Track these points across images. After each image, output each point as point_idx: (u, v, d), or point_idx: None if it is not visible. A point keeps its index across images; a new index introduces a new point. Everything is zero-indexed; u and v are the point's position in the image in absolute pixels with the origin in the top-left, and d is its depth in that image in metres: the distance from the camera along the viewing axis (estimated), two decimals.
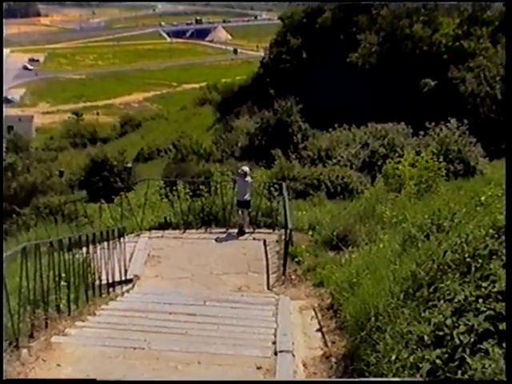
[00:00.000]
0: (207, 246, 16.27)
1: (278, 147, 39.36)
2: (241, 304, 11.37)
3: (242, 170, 17.34)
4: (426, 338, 5.91)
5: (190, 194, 18.40)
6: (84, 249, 11.11)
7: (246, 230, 16.92)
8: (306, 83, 63.83)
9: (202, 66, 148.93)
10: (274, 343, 8.63)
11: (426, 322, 6.14)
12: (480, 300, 5.74)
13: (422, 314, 6.38)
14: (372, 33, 65.27)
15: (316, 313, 10.51)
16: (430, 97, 56.51)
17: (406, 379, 5.75)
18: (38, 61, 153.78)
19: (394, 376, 5.95)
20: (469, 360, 5.24)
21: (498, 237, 6.56)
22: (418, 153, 22.39)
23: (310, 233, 15.75)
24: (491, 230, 6.74)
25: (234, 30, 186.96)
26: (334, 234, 14.32)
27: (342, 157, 31.26)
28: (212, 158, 53.19)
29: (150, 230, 17.47)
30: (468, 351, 5.34)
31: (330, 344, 8.90)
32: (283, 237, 14.76)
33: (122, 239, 13.45)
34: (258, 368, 7.82)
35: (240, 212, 16.99)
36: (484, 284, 5.94)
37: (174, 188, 18.71)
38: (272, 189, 18.32)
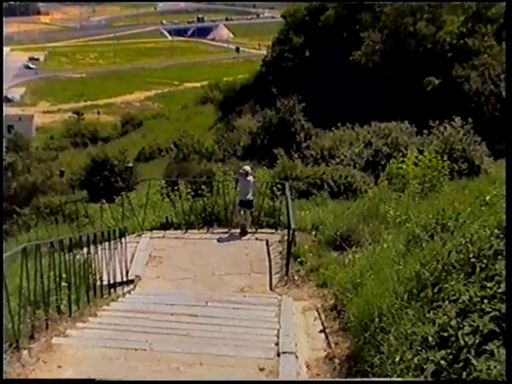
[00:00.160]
0: (209, 246, 16.24)
1: (281, 146, 39.31)
2: (243, 305, 11.32)
3: (244, 170, 17.29)
4: (430, 338, 5.85)
5: (192, 193, 18.37)
6: (85, 249, 11.08)
7: (249, 230, 16.89)
8: (308, 82, 63.75)
9: (204, 65, 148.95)
10: (277, 344, 8.59)
11: (431, 323, 6.07)
12: (485, 301, 5.68)
13: (427, 315, 6.31)
14: (375, 31, 65.05)
15: (319, 313, 10.44)
16: (434, 95, 56.39)
17: (407, 380, 5.71)
18: (38, 59, 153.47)
19: (398, 377, 5.90)
20: (474, 361, 5.17)
21: (504, 237, 6.48)
22: (421, 152, 22.29)
23: (313, 233, 15.68)
24: (496, 230, 6.68)
25: (236, 28, 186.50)
26: (338, 234, 14.23)
27: (345, 156, 31.15)
28: (214, 157, 53.19)
29: (151, 230, 17.43)
30: (473, 352, 5.27)
31: (333, 345, 8.84)
32: (286, 237, 14.71)
33: (123, 239, 13.41)
34: (261, 369, 7.79)
35: (242, 212, 16.93)
36: (489, 284, 5.87)
37: (176, 188, 18.71)
38: (275, 188, 18.26)
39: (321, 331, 9.69)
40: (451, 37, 60.57)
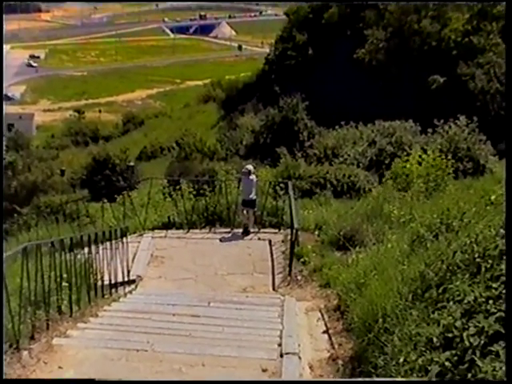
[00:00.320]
0: (211, 246, 16.22)
1: (284, 145, 39.20)
2: (246, 305, 11.29)
3: (247, 169, 17.24)
4: (434, 339, 5.79)
5: (194, 193, 18.31)
6: (86, 249, 11.07)
7: (251, 230, 16.82)
8: (311, 80, 63.69)
9: (206, 63, 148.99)
10: (280, 345, 8.55)
11: (435, 324, 6.02)
12: (490, 301, 5.61)
13: (431, 316, 6.27)
14: (379, 28, 64.97)
15: (322, 314, 10.41)
16: (439, 94, 56.32)
17: (409, 380, 5.68)
18: (38, 57, 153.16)
19: (402, 379, 5.85)
20: (479, 362, 5.10)
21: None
22: (424, 151, 22.22)
23: (317, 233, 15.65)
24: (502, 230, 6.61)
25: (239, 25, 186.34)
26: (341, 233, 14.19)
27: (348, 155, 31.07)
28: (216, 156, 53.15)
29: (153, 229, 17.41)
30: (478, 354, 5.20)
31: (336, 346, 8.81)
32: (289, 237, 14.67)
33: (124, 239, 13.34)
34: (264, 370, 7.76)
35: (245, 211, 16.88)
36: (494, 285, 5.80)
37: (178, 187, 18.66)
38: (277, 188, 18.24)
39: (324, 332, 9.66)
40: (456, 34, 60.44)
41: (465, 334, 5.43)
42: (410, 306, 6.88)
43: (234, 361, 7.97)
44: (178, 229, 17.42)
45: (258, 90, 71.56)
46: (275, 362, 7.98)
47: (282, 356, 8.14)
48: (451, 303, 6.09)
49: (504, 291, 5.66)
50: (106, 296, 11.68)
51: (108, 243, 11.94)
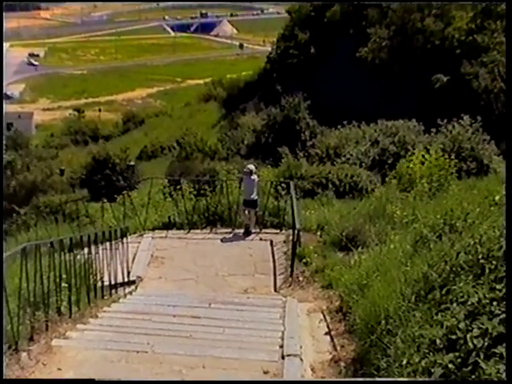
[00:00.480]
0: (212, 246, 16.16)
1: (285, 145, 39.28)
2: (247, 306, 11.26)
3: (248, 169, 17.18)
4: (438, 341, 5.77)
5: (195, 193, 18.29)
6: (85, 249, 11.02)
7: (253, 231, 16.77)
8: (314, 79, 63.75)
9: (207, 61, 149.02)
10: (282, 347, 8.50)
11: (439, 326, 6.00)
12: (494, 303, 5.59)
13: (434, 317, 6.25)
14: (382, 27, 64.97)
15: (324, 315, 10.38)
16: (442, 93, 56.29)
17: (409, 380, 5.68)
18: (38, 55, 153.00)
19: None
20: (483, 365, 5.08)
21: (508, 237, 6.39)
22: (427, 150, 22.15)
23: (319, 233, 15.61)
24: (506, 231, 6.56)
25: (240, 24, 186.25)
26: (343, 234, 14.15)
27: (351, 155, 30.99)
28: (217, 155, 53.25)
29: (153, 230, 17.37)
30: (482, 356, 5.17)
31: (338, 348, 8.77)
32: (291, 237, 14.61)
33: (124, 239, 13.30)
34: (265, 372, 7.71)
35: (246, 212, 16.82)
36: (498, 286, 5.79)
37: (178, 187, 18.62)
38: (279, 188, 18.20)
39: (326, 333, 9.62)
40: (460, 33, 60.37)
41: (468, 336, 5.41)
42: (413, 307, 6.86)
43: (235, 363, 7.92)
44: (178, 229, 17.37)
45: (259, 89, 71.65)
46: (277, 363, 7.94)
47: (283, 358, 8.10)
48: (455, 305, 6.08)
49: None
50: (105, 297, 11.63)
51: (108, 243, 11.90)
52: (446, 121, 28.56)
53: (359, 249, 12.71)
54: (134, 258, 14.60)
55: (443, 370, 5.38)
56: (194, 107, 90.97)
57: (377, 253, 10.69)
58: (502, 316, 5.38)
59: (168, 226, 17.51)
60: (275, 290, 13.47)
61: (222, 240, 16.51)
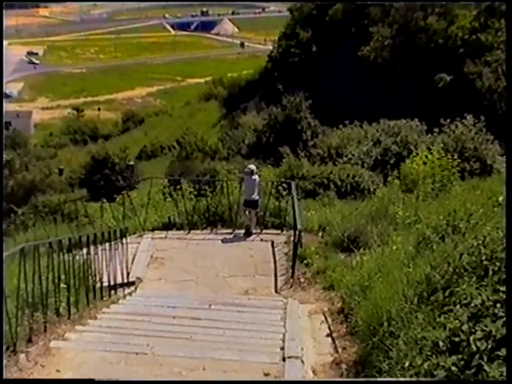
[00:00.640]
0: (213, 247, 16.13)
1: (287, 144, 39.27)
2: (248, 308, 11.23)
3: (249, 168, 17.15)
4: (441, 344, 5.74)
5: (195, 193, 18.29)
6: (84, 250, 10.97)
7: (254, 231, 16.74)
8: (315, 78, 63.75)
9: (208, 60, 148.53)
10: (282, 349, 8.46)
11: (442, 328, 5.97)
12: (498, 305, 5.59)
13: (437, 319, 6.22)
14: (385, 25, 65.00)
15: (326, 317, 10.33)
16: (445, 92, 56.27)
17: (409, 380, 5.67)
18: (36, 54, 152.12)
19: None
20: (486, 367, 5.06)
21: None
22: (430, 150, 22.10)
23: (320, 234, 15.57)
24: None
25: (241, 22, 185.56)
26: (345, 235, 14.10)
27: (352, 155, 30.90)
28: (218, 155, 53.31)
29: (153, 230, 17.35)
30: (485, 358, 5.15)
31: (340, 350, 8.73)
32: (292, 238, 14.59)
33: (124, 240, 13.27)
34: (266, 374, 7.68)
35: (247, 212, 16.79)
36: (502, 288, 5.77)
37: (178, 187, 18.61)
38: (280, 188, 18.19)
39: (327, 335, 9.59)
40: (463, 32, 60.32)
41: (472, 338, 5.39)
42: (416, 309, 6.84)
43: (236, 364, 7.89)
44: (178, 229, 17.35)
45: (260, 88, 71.69)
46: (277, 365, 7.91)
47: (284, 360, 8.06)
48: (458, 307, 6.07)
49: None
50: (104, 298, 11.60)
51: (107, 244, 11.89)
52: (448, 120, 28.45)
53: (361, 250, 12.65)
54: (133, 259, 14.55)
55: (446, 372, 5.36)
56: (195, 106, 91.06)
57: (379, 254, 10.66)
58: (505, 318, 5.35)
59: (168, 226, 17.49)
60: (276, 292, 13.43)
61: (222, 241, 16.48)
